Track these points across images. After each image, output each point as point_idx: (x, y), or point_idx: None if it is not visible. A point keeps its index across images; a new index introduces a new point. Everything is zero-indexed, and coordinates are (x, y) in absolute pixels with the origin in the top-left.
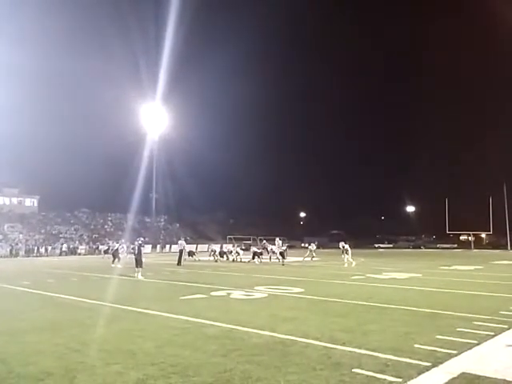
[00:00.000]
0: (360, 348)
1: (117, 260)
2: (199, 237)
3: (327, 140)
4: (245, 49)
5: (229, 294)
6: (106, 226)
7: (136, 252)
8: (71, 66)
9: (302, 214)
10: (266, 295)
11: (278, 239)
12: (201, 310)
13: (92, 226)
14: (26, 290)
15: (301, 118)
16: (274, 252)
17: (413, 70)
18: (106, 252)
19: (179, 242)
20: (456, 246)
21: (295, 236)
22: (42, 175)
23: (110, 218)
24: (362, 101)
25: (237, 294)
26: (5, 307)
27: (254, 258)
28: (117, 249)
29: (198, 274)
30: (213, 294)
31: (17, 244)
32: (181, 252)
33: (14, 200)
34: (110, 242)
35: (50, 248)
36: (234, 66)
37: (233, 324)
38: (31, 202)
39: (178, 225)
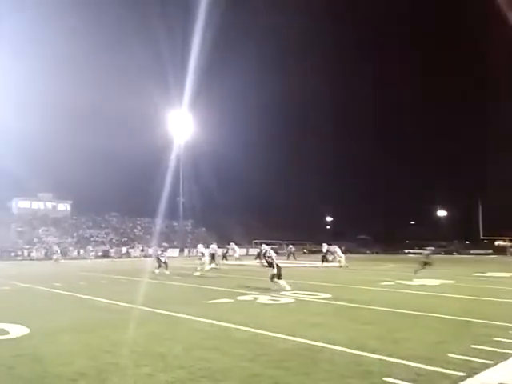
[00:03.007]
0: (390, 356)
1: (158, 266)
2: (225, 241)
3: (354, 142)
4: (270, 54)
5: (255, 298)
6: (135, 230)
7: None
8: (101, 74)
9: (329, 219)
10: (293, 300)
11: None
12: (227, 314)
13: (122, 230)
14: (59, 291)
15: (326, 120)
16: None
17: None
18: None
19: (211, 246)
20: (491, 251)
21: (321, 241)
22: (75, 180)
23: (138, 222)
24: (389, 100)
25: (263, 299)
26: (39, 308)
27: (256, 259)
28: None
29: (225, 279)
30: (239, 298)
31: (51, 247)
32: (213, 256)
33: (49, 205)
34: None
35: (81, 251)
36: (259, 72)
37: (260, 329)
38: (64, 207)
39: (204, 229)
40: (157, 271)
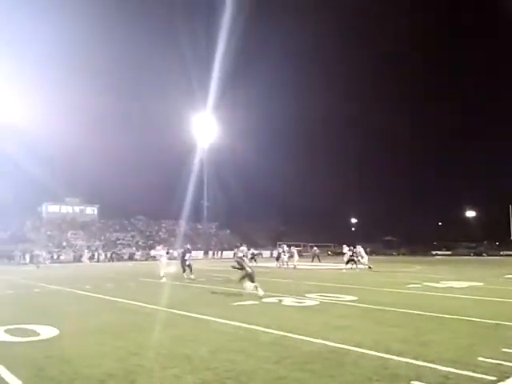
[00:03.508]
0: (418, 359)
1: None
2: (248, 243)
3: (379, 143)
4: (295, 58)
5: (280, 300)
6: (160, 233)
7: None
8: (126, 79)
9: (354, 220)
10: (318, 303)
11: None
12: (252, 317)
13: (147, 233)
14: (87, 293)
15: (349, 122)
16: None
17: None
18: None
19: (240, 248)
20: None
21: (346, 242)
22: (102, 185)
23: (163, 225)
24: (412, 103)
25: (288, 301)
26: (68, 310)
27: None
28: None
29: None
30: (264, 300)
31: (79, 250)
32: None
33: (76, 209)
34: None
35: (109, 254)
36: (283, 76)
37: (285, 331)
38: (92, 211)
39: (228, 231)
40: (184, 275)
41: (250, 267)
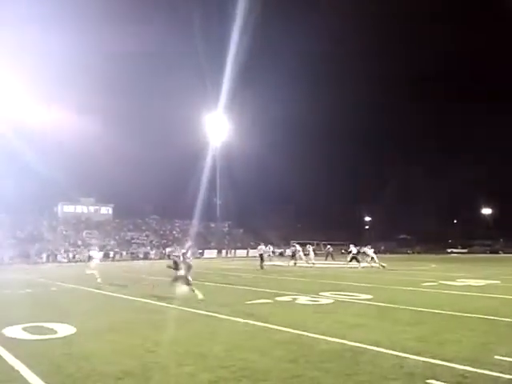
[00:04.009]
0: (434, 358)
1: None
2: (262, 241)
3: (394, 137)
4: (309, 56)
5: (294, 299)
6: (174, 232)
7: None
8: (139, 79)
9: (368, 219)
10: (333, 301)
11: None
12: (267, 315)
13: (161, 232)
14: (103, 292)
15: (363, 119)
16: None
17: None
18: None
19: (259, 247)
20: None
21: (361, 241)
22: (116, 185)
23: (177, 224)
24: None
25: (302, 300)
26: (84, 308)
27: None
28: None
29: (263, 279)
30: (278, 299)
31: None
32: (261, 256)
33: (91, 209)
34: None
35: (123, 253)
36: (296, 74)
37: (299, 330)
38: (106, 210)
39: (241, 230)
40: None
41: (188, 267)
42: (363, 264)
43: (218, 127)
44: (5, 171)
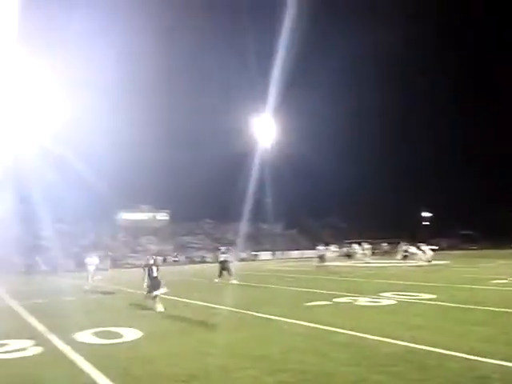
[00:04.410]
0: (506, 360)
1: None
2: (316, 241)
3: (451, 129)
4: (357, 56)
5: (354, 300)
6: (227, 235)
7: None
8: (189, 82)
9: (426, 214)
10: (395, 302)
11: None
12: (325, 317)
13: (216, 236)
14: (163, 296)
15: (415, 118)
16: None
17: None
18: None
19: (317, 247)
20: None
21: (419, 238)
22: (171, 191)
23: (231, 227)
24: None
25: (362, 301)
26: (146, 312)
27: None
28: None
29: (320, 280)
30: (336, 300)
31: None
32: (320, 257)
33: (149, 215)
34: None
35: (180, 257)
36: (345, 75)
37: (360, 332)
38: (163, 216)
39: (294, 230)
40: (216, 280)
41: (154, 278)
42: (420, 262)
43: (267, 128)
44: (66, 182)
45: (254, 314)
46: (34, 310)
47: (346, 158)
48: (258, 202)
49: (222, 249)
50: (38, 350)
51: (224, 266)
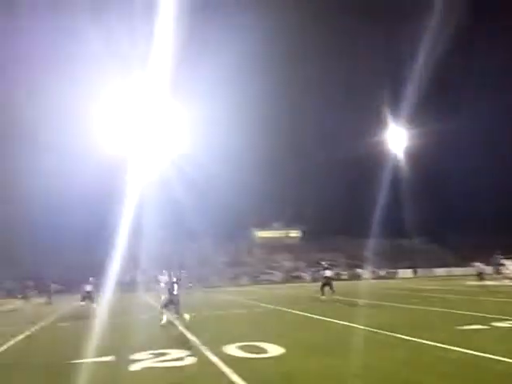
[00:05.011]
0: None
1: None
2: (463, 260)
3: None
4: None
5: None
6: (363, 252)
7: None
8: (317, 95)
9: None
10: None
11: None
12: (483, 343)
13: (350, 252)
14: (301, 313)
15: None
16: None
17: None
18: None
19: (474, 264)
20: None
21: None
22: (303, 208)
23: (366, 243)
24: None
25: None
26: (288, 328)
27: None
28: None
29: (475, 302)
30: (495, 324)
31: (288, 271)
32: (479, 275)
33: (282, 232)
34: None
35: (314, 274)
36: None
37: None
38: (296, 233)
39: (436, 246)
40: (323, 297)
41: (171, 296)
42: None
43: (400, 137)
44: (208, 204)
45: (399, 336)
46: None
47: (483, 165)
48: (393, 216)
49: (325, 264)
50: (193, 360)
51: (327, 282)
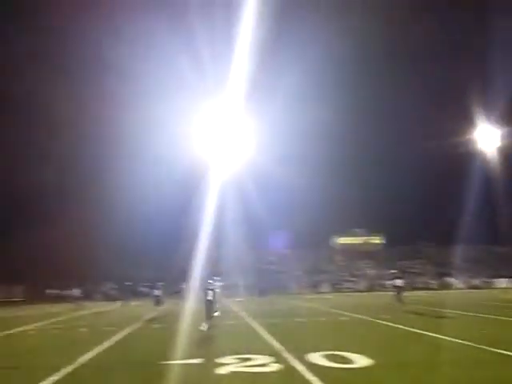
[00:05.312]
0: None
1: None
2: None
3: None
4: None
5: None
6: (452, 259)
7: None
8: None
9: None
10: None
11: None
12: None
13: (437, 260)
14: (388, 323)
15: None
16: None
17: None
18: None
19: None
20: None
21: None
22: (385, 214)
23: (455, 250)
24: None
25: None
26: (374, 339)
27: None
28: None
29: None
30: None
31: (372, 279)
32: None
33: (364, 239)
34: None
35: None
36: None
37: None
38: (377, 240)
39: None
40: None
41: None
42: None
43: (490, 137)
44: (290, 210)
45: (499, 351)
46: (270, 328)
47: None
48: (486, 220)
49: (396, 273)
50: (278, 367)
51: (398, 292)
